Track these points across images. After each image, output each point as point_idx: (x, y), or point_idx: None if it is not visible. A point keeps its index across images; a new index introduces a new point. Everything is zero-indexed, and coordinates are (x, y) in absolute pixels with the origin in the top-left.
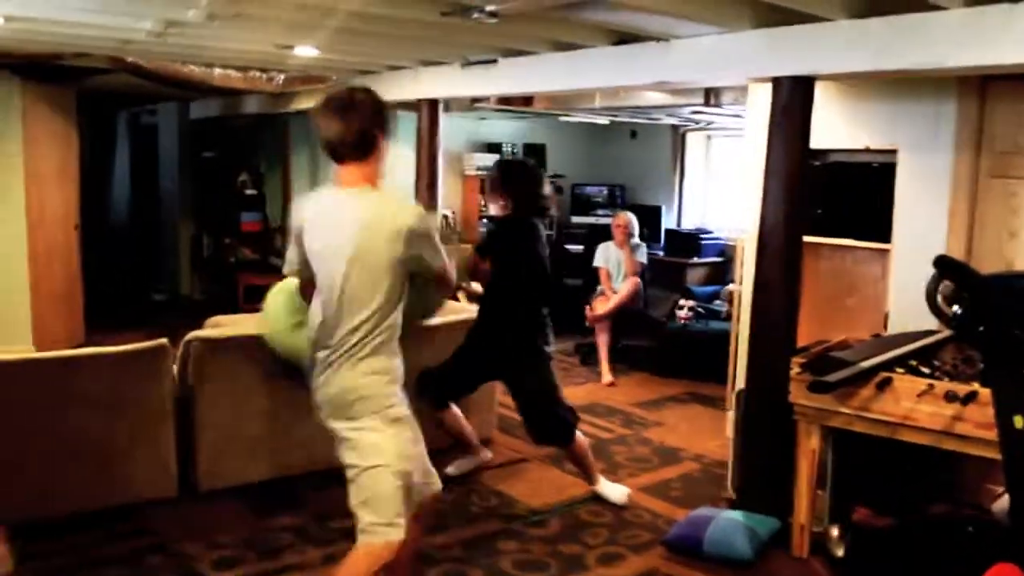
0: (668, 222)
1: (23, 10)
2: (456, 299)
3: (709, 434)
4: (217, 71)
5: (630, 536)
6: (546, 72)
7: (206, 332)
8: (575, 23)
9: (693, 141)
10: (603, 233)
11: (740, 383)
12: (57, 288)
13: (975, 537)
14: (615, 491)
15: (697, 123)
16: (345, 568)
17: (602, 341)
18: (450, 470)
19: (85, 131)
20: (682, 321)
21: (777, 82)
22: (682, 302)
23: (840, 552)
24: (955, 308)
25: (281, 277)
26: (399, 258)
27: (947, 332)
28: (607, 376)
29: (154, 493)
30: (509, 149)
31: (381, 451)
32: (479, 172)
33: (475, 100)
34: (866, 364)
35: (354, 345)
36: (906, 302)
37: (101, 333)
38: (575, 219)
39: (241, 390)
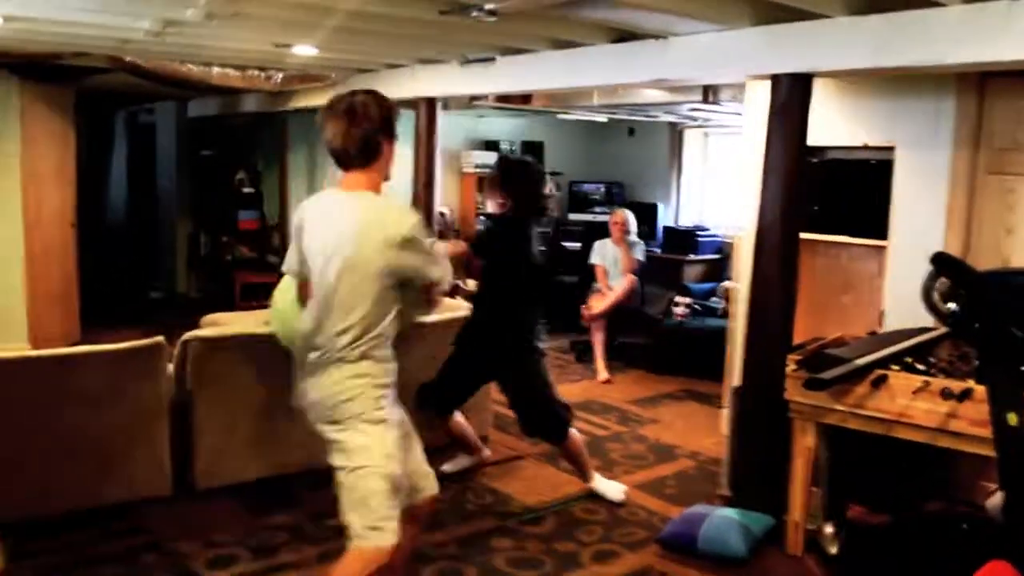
0: (665, 219)
1: (23, 10)
2: (453, 297)
3: (705, 431)
4: (215, 70)
5: (625, 534)
6: (545, 70)
7: (203, 331)
8: (574, 21)
9: (691, 138)
10: (600, 230)
11: (736, 380)
12: (54, 287)
13: (969, 534)
14: (611, 488)
15: (695, 120)
16: (336, 573)
17: (598, 339)
18: (446, 467)
19: (83, 130)
20: (679, 318)
21: (775, 79)
22: (679, 299)
23: (834, 549)
24: (951, 305)
25: (279, 276)
26: (390, 265)
27: (943, 329)
28: (603, 373)
29: (149, 491)
30: (507, 147)
31: (367, 452)
32: (477, 170)
33: (473, 98)
34: (862, 361)
35: (343, 348)
36: (902, 299)
37: (97, 331)
38: (573, 216)
39: (238, 389)
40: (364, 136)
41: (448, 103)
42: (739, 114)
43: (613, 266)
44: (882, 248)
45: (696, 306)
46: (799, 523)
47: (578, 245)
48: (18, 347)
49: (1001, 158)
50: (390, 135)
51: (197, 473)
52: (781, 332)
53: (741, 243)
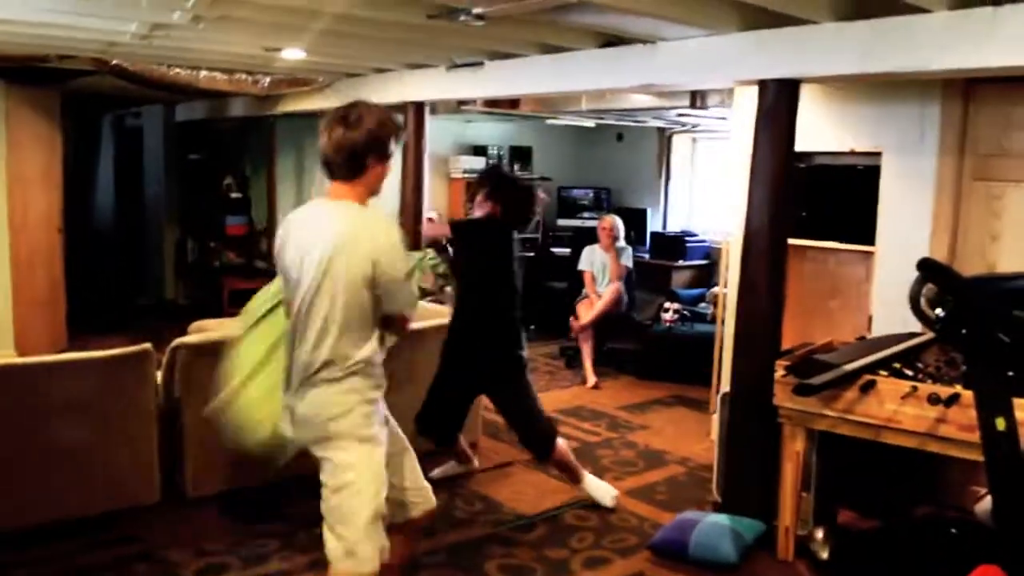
0: (654, 225)
1: (7, 12)
2: (441, 302)
3: (695, 437)
4: (202, 73)
5: (615, 540)
6: (532, 75)
7: (192, 338)
8: (561, 26)
9: (679, 143)
10: (589, 236)
11: (725, 386)
12: (40, 293)
13: (959, 539)
14: (601, 490)
15: (683, 125)
16: None
17: (586, 345)
18: (435, 473)
19: (69, 134)
20: (667, 324)
21: (763, 85)
22: (667, 305)
23: (825, 555)
24: (938, 311)
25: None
26: (371, 276)
27: (930, 334)
28: (591, 379)
29: (139, 500)
30: (495, 152)
31: (352, 471)
32: (465, 175)
33: (461, 103)
34: (850, 367)
35: (329, 363)
36: (890, 304)
37: (84, 338)
38: (561, 222)
39: None
40: (351, 149)
41: (436, 107)
42: (727, 119)
43: (602, 272)
44: (869, 253)
45: (685, 312)
46: (790, 528)
47: (567, 251)
48: (4, 354)
49: (986, 164)
50: (381, 155)
51: (187, 481)
52: (769, 338)
53: (729, 248)
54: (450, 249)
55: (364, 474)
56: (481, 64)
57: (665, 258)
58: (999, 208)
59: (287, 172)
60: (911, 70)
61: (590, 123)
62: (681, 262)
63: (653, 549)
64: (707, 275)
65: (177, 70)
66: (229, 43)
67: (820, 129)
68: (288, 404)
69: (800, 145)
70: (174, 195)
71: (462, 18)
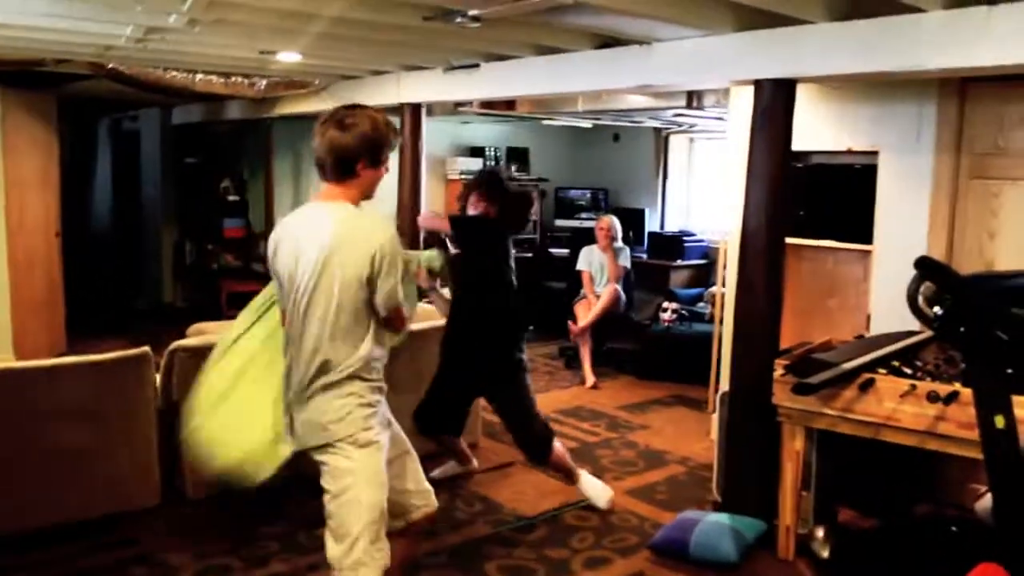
0: (651, 225)
1: (2, 17)
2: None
3: (695, 437)
4: (199, 77)
5: (616, 540)
6: (529, 76)
7: (190, 341)
8: (557, 27)
9: (676, 144)
10: (587, 236)
11: (724, 385)
12: (38, 296)
13: (959, 537)
14: (596, 490)
15: (680, 126)
16: None
17: (584, 347)
18: (435, 474)
19: (66, 137)
20: (666, 324)
21: (759, 85)
22: (666, 305)
23: (825, 553)
24: (936, 309)
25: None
26: (366, 278)
27: (929, 333)
28: (590, 379)
29: (138, 502)
30: (492, 153)
31: (351, 476)
32: (462, 176)
33: (458, 104)
34: (849, 365)
35: (322, 369)
36: (888, 303)
37: (83, 341)
38: (559, 223)
39: None
40: (342, 152)
41: (433, 109)
42: (723, 119)
43: (600, 272)
44: (867, 252)
45: (683, 311)
46: (790, 527)
47: (565, 251)
48: (3, 358)
49: (982, 162)
50: (372, 161)
51: (186, 483)
52: (768, 337)
53: (727, 248)
54: (451, 246)
55: (364, 479)
56: (477, 66)
57: (663, 258)
58: (996, 206)
59: (284, 175)
60: (907, 69)
61: (587, 124)
62: (679, 262)
63: (654, 549)
64: (705, 275)
65: (173, 73)
66: (225, 46)
67: (817, 128)
68: (287, 412)
69: (797, 145)
70: (171, 198)
71: (458, 20)
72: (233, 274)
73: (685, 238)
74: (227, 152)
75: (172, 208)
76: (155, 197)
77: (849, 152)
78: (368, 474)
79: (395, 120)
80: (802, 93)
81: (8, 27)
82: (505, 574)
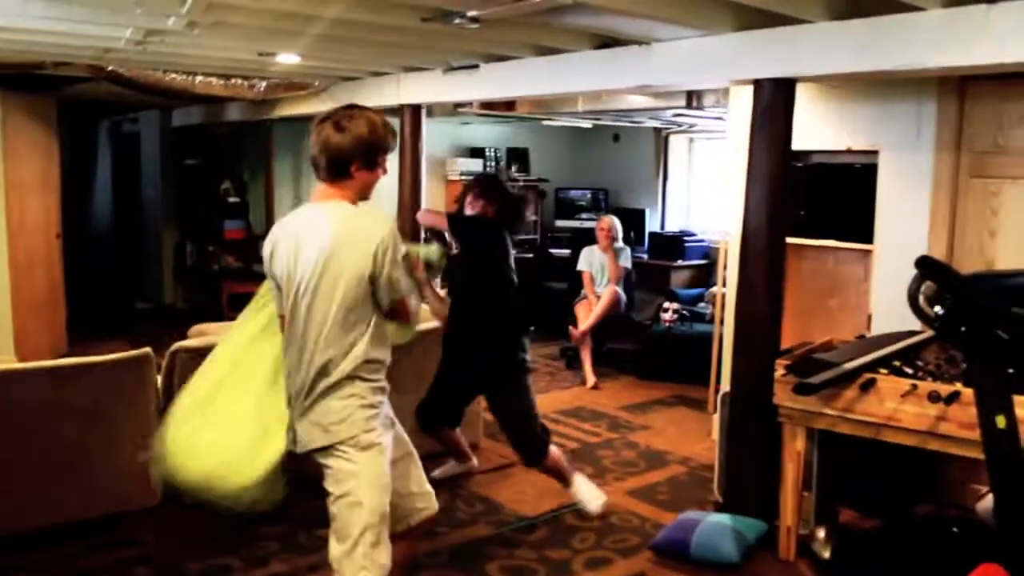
0: (652, 225)
1: (2, 20)
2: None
3: (696, 437)
4: (198, 78)
5: (617, 540)
6: (528, 76)
7: (191, 342)
8: (557, 28)
9: (676, 144)
10: (587, 237)
11: (725, 386)
12: (39, 297)
13: (960, 537)
14: (589, 494)
15: (679, 126)
16: None
17: (585, 349)
18: (435, 474)
19: (66, 140)
20: (667, 324)
21: (758, 84)
22: (667, 305)
23: (826, 554)
24: (937, 309)
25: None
26: (370, 272)
27: (930, 332)
28: (591, 379)
29: (139, 503)
30: (492, 154)
31: (354, 479)
32: (462, 177)
33: (458, 105)
34: (850, 365)
35: (324, 370)
36: (889, 302)
37: (84, 342)
38: (559, 223)
39: None
40: (336, 153)
41: (432, 110)
42: (723, 119)
43: (600, 272)
44: (868, 252)
45: (684, 311)
46: (791, 528)
47: (566, 252)
48: (4, 359)
49: (982, 161)
50: (367, 163)
51: None
52: (769, 337)
53: (728, 248)
54: (450, 240)
55: (366, 482)
56: (477, 67)
57: (664, 258)
58: (996, 205)
59: (284, 176)
60: (906, 68)
61: (587, 124)
62: (680, 262)
63: (655, 549)
64: (706, 275)
65: (173, 75)
66: (224, 48)
67: (817, 128)
68: (291, 417)
69: (797, 144)
70: (172, 200)
71: (457, 21)
72: (234, 275)
73: (685, 238)
74: (227, 154)
75: (172, 210)
76: (155, 199)
77: (849, 151)
78: (370, 477)
79: (395, 121)
80: (802, 92)
81: (7, 30)
82: (506, 574)
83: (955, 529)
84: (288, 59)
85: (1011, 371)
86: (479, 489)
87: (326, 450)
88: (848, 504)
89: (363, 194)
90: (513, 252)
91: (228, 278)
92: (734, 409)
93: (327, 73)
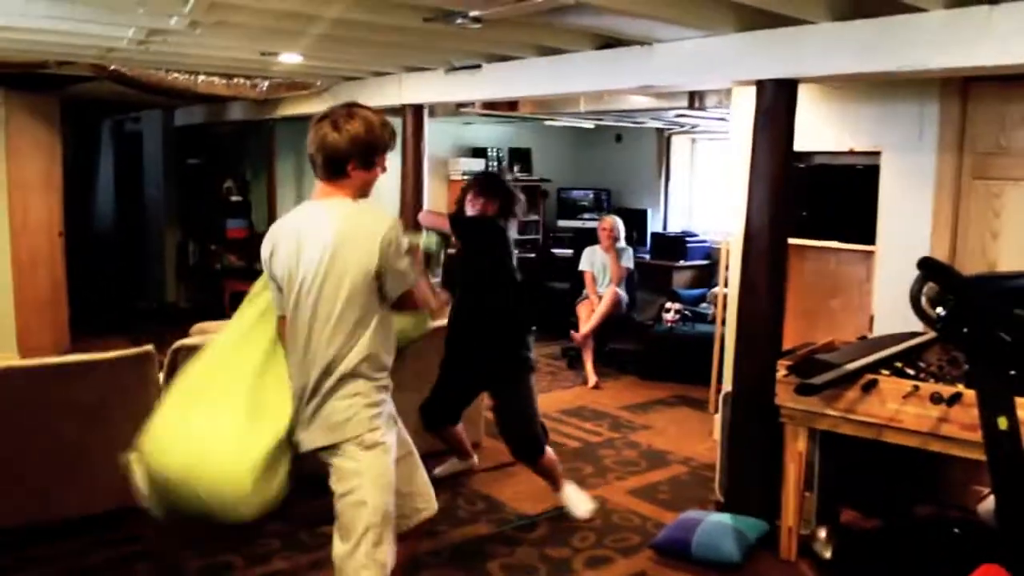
0: (654, 225)
1: (5, 20)
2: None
3: (697, 437)
4: (201, 78)
5: (618, 539)
6: (531, 77)
7: (193, 340)
8: (559, 28)
9: (678, 144)
10: (590, 237)
11: (726, 386)
12: (42, 295)
13: (961, 538)
14: (578, 500)
15: (682, 126)
16: None
17: (586, 349)
18: (437, 471)
19: (69, 139)
20: (669, 324)
21: (760, 85)
22: (669, 305)
23: (828, 554)
24: (939, 310)
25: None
26: (374, 267)
27: (932, 334)
28: (592, 379)
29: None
30: (494, 154)
31: (357, 478)
32: (464, 177)
33: (460, 105)
34: (852, 366)
35: (329, 368)
36: (891, 303)
37: (86, 340)
38: (561, 223)
39: None
40: (332, 152)
41: (435, 110)
42: (726, 120)
43: (602, 272)
44: (870, 253)
45: (686, 312)
46: (792, 528)
47: (568, 252)
48: (7, 356)
49: (985, 162)
50: (363, 163)
51: None
52: (770, 337)
53: (730, 248)
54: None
55: (370, 481)
56: (479, 67)
57: (666, 258)
58: (998, 206)
59: (287, 175)
60: (908, 69)
61: (589, 124)
62: (682, 262)
63: (656, 548)
64: (708, 275)
65: (175, 75)
66: (226, 48)
67: (819, 129)
68: (299, 416)
69: (799, 145)
70: (174, 199)
71: (459, 21)
72: (236, 274)
73: (688, 239)
74: (229, 153)
75: (175, 209)
76: (158, 198)
77: (851, 152)
78: (374, 475)
79: (397, 121)
80: (804, 93)
81: (10, 29)
82: (507, 573)
83: (956, 530)
84: (290, 59)
85: (1013, 373)
86: (480, 487)
87: (330, 449)
88: (849, 504)
89: (362, 192)
90: (516, 252)
91: (230, 277)
92: (736, 409)
93: (329, 73)
